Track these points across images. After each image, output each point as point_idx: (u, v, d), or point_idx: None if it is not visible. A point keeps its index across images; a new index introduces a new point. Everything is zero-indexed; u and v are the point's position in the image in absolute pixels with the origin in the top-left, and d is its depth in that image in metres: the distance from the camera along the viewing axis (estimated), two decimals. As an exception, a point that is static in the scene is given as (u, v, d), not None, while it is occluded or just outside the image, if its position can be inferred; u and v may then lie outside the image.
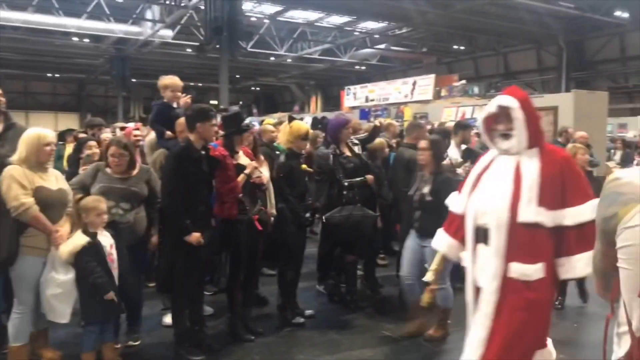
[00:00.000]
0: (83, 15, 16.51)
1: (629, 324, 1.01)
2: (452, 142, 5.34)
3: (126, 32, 18.11)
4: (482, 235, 2.39)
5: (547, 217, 2.27)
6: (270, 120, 7.60)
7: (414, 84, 12.96)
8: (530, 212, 2.25)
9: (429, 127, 7.95)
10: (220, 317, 4.36)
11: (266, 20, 18.61)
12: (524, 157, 2.35)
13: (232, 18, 12.92)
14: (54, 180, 3.38)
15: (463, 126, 5.64)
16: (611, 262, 1.09)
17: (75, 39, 19.57)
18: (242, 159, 4.02)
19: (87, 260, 3.17)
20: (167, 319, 4.11)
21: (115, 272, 3.33)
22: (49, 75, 28.52)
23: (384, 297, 5.12)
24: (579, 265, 2.27)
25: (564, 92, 15.20)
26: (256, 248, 4.02)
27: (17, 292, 3.28)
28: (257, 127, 8.21)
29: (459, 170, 4.89)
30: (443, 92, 12.40)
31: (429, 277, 2.95)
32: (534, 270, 2.27)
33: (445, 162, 4.67)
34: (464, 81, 13.31)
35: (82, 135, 6.27)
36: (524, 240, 2.28)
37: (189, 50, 20.59)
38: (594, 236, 1.87)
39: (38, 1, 15.07)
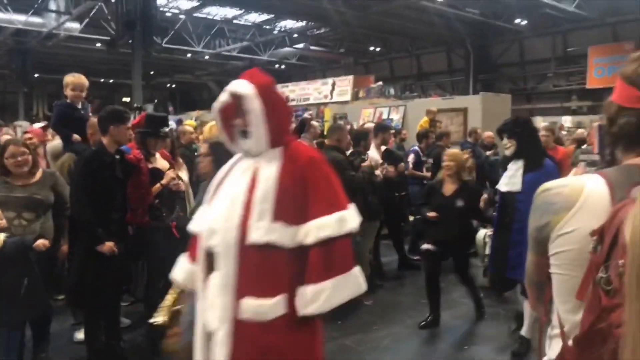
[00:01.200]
0: (-24, 4, 15.10)
1: (561, 327, 1.06)
2: (372, 144, 5.48)
3: (27, 24, 16.74)
4: (212, 262, 1.84)
5: (285, 235, 1.75)
6: (191, 121, 7.38)
7: (333, 84, 13.17)
8: (262, 229, 1.74)
9: (348, 127, 8.12)
10: (138, 329, 4.17)
11: (182, 16, 18.05)
12: (263, 159, 1.86)
13: (146, 12, 12.37)
14: None
15: (383, 128, 5.80)
16: (544, 272, 1.13)
17: (-34, 29, 17.83)
18: (159, 162, 3.86)
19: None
20: (80, 335, 3.86)
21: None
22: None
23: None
24: (314, 298, 1.71)
25: (472, 93, 16.17)
26: (175, 256, 3.87)
27: None
28: (173, 126, 7.95)
29: (377, 172, 5.03)
30: (361, 94, 12.72)
31: (159, 318, 2.31)
32: (270, 306, 1.74)
33: (366, 163, 4.78)
34: (380, 83, 13.74)
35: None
36: (257, 268, 1.76)
37: (98, 44, 19.45)
38: (343, 258, 1.75)
39: None
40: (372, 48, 22.54)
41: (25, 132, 5.38)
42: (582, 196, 1.05)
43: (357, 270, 1.81)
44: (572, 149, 5.85)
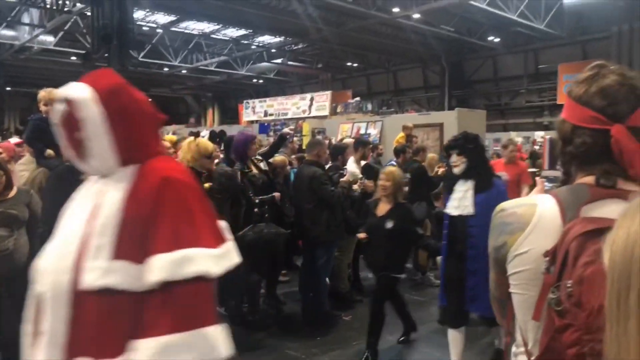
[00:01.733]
0: (-54, 16, 14.79)
1: (525, 344, 1.06)
2: (352, 158, 5.53)
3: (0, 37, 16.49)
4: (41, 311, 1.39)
5: (128, 277, 1.31)
6: (170, 136, 7.31)
7: (312, 99, 13.25)
8: (97, 270, 1.31)
9: (327, 142, 8.17)
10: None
11: (159, 30, 17.99)
12: (111, 181, 1.45)
13: (122, 26, 12.27)
14: None
15: (363, 143, 5.86)
16: (505, 289, 1.13)
17: None
18: None
19: None
20: None
21: None
22: None
23: (287, 314, 5.12)
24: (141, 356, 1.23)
25: (447, 109, 16.46)
26: None
27: None
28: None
29: (355, 187, 5.08)
30: (339, 109, 12.83)
31: None
32: None
33: (344, 178, 4.82)
34: (358, 98, 13.90)
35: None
36: (94, 320, 1.31)
37: (73, 58, 19.23)
38: (187, 310, 1.26)
39: None
40: (349, 64, 22.81)
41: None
42: (534, 217, 1.06)
43: (213, 331, 1.29)
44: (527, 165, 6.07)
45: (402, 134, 7.74)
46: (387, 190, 4.12)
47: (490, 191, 3.44)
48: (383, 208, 4.17)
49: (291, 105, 13.77)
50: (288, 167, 5.34)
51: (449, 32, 16.26)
